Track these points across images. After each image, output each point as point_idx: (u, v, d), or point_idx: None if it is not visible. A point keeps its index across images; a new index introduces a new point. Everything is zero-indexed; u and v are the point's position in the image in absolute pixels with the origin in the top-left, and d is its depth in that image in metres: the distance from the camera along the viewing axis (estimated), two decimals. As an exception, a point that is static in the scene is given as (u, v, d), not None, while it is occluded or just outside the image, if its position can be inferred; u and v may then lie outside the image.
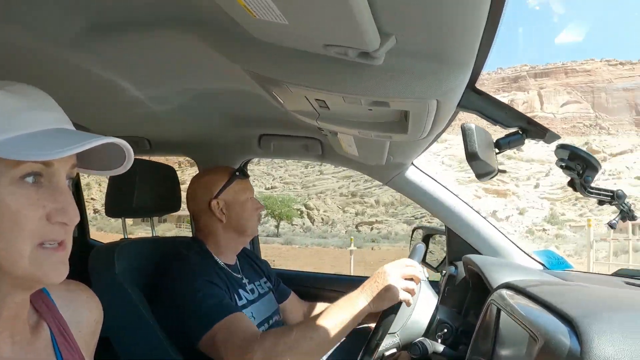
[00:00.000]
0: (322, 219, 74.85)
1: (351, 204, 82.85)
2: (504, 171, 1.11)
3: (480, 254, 2.04)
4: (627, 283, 1.50)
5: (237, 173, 1.67)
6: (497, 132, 1.15)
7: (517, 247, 2.08)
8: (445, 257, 2.25)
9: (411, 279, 1.37)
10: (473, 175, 1.12)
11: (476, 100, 1.07)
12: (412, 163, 2.05)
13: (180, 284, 1.43)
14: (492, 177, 1.08)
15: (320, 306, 1.94)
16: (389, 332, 1.36)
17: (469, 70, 0.90)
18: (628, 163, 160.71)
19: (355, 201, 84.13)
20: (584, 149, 1.19)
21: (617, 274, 1.80)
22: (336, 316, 1.31)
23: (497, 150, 1.09)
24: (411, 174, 2.07)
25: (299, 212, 70.91)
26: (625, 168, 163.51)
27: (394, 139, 1.35)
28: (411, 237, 2.71)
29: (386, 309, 1.32)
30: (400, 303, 1.32)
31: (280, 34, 0.79)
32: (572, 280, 1.54)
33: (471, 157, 0.96)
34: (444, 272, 2.12)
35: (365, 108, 1.01)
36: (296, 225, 67.52)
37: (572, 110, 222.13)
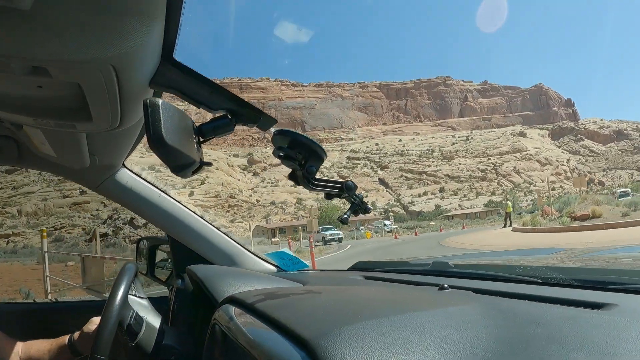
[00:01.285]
0: (-44, 231, 68.46)
1: (-10, 213, 78.13)
2: (209, 163, 0.89)
3: (210, 262, 1.96)
4: (367, 277, 1.46)
5: None
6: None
7: (249, 251, 2.04)
8: (172, 269, 2.13)
9: None
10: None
11: (175, 76, 0.89)
12: (124, 165, 1.87)
13: None
14: (196, 171, 0.85)
15: (38, 345, 1.54)
16: None
17: (158, 30, 0.76)
18: (286, 172, 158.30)
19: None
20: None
21: (354, 267, 1.82)
22: None
23: (200, 138, 0.87)
24: (123, 177, 1.89)
25: None
26: (283, 177, 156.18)
27: (80, 129, 1.14)
28: (137, 249, 2.51)
29: None
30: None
31: None
32: (308, 283, 1.44)
33: (155, 142, 0.72)
34: (172, 286, 2.00)
35: (31, 84, 0.83)
36: None
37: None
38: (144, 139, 1.17)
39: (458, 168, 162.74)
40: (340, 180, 0.96)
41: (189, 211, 1.95)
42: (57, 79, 0.79)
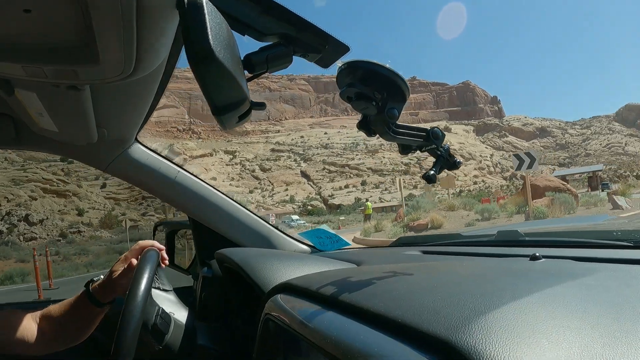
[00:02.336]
0: None
1: None
2: (262, 105, 0.66)
3: (239, 246, 1.80)
4: (425, 252, 1.34)
5: None
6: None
7: (280, 231, 1.89)
8: (195, 256, 1.98)
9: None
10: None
11: None
12: (137, 139, 1.65)
13: None
14: (243, 117, 0.62)
15: (58, 306, 1.32)
16: None
17: None
18: (207, 165, 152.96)
19: None
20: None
21: (399, 243, 1.69)
22: None
23: (247, 73, 0.64)
24: (137, 153, 1.67)
25: None
26: (203, 170, 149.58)
27: (84, 78, 0.90)
28: (153, 235, 2.23)
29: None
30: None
31: None
32: (364, 262, 1.25)
33: (202, 55, 0.51)
34: (197, 274, 1.79)
35: (16, 6, 0.62)
36: None
37: (167, 114, 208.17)
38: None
39: (382, 162, 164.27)
40: (425, 127, 0.77)
41: (213, 189, 1.80)
42: None
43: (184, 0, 0.52)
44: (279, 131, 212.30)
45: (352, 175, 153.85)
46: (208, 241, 1.80)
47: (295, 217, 66.39)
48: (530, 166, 14.93)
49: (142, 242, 1.20)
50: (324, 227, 1.84)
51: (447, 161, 0.77)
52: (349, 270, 1.08)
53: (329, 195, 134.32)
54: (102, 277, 1.24)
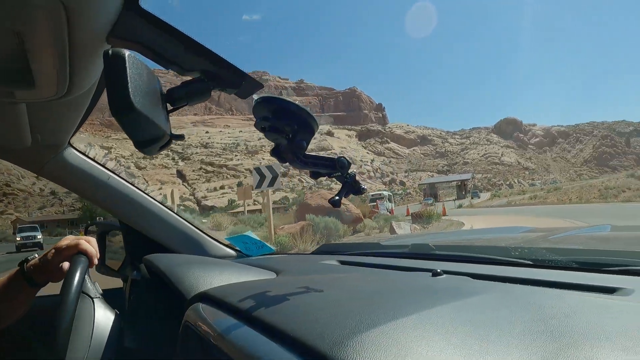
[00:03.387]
0: None
1: None
2: (181, 137, 0.73)
3: (168, 250, 1.86)
4: (342, 262, 1.40)
5: None
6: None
7: (208, 235, 1.94)
8: (126, 258, 1.98)
9: None
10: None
11: (141, 28, 0.70)
12: (70, 144, 1.67)
13: None
14: (164, 147, 0.69)
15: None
16: None
17: None
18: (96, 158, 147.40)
19: None
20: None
21: (321, 251, 1.78)
22: None
23: (169, 106, 0.70)
24: (70, 157, 1.70)
25: None
26: None
27: (20, 98, 0.93)
28: (85, 234, 2.14)
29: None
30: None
31: None
32: (282, 271, 1.30)
33: (122, 108, 0.56)
34: (127, 277, 1.82)
35: None
36: None
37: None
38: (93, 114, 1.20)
39: (260, 163, 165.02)
40: (332, 157, 0.83)
41: (143, 194, 1.82)
42: None
43: (108, 50, 0.57)
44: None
45: (229, 176, 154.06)
46: (138, 244, 1.84)
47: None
48: (272, 183, 11.97)
49: (75, 239, 1.20)
50: (250, 233, 1.93)
51: (352, 187, 0.84)
52: (265, 281, 1.13)
53: (203, 197, 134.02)
54: (36, 255, 1.21)
